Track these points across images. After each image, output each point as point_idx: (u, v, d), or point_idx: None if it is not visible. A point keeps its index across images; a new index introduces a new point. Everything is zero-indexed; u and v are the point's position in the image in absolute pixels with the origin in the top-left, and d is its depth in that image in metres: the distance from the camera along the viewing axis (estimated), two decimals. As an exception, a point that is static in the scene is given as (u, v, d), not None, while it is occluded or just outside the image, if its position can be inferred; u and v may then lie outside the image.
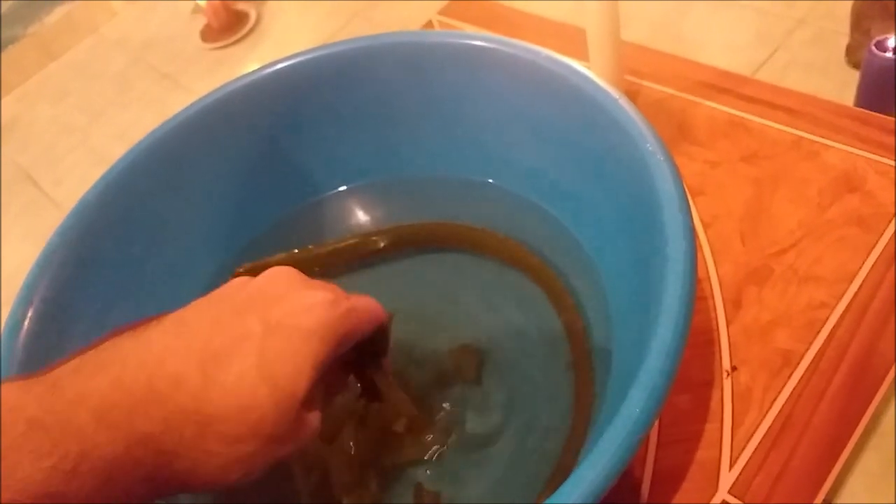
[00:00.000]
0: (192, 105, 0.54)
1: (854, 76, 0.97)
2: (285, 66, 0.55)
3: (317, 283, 0.35)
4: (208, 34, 1.37)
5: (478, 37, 0.51)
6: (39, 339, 0.43)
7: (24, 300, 0.45)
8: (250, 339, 0.31)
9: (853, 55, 1.09)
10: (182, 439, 0.28)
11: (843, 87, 0.98)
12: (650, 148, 0.40)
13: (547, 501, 0.29)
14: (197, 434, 0.29)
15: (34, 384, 0.27)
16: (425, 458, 0.44)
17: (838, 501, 0.43)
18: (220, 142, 0.55)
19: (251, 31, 1.36)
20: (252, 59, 1.24)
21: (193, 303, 0.33)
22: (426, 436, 0.44)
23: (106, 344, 0.30)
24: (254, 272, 0.37)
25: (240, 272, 0.49)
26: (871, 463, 0.44)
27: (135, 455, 0.27)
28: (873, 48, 0.93)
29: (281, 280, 0.34)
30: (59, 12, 1.51)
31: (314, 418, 0.33)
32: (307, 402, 0.32)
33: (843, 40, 1.01)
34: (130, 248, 0.51)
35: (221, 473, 0.30)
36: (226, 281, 0.48)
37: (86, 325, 0.46)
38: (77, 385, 0.28)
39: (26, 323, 0.43)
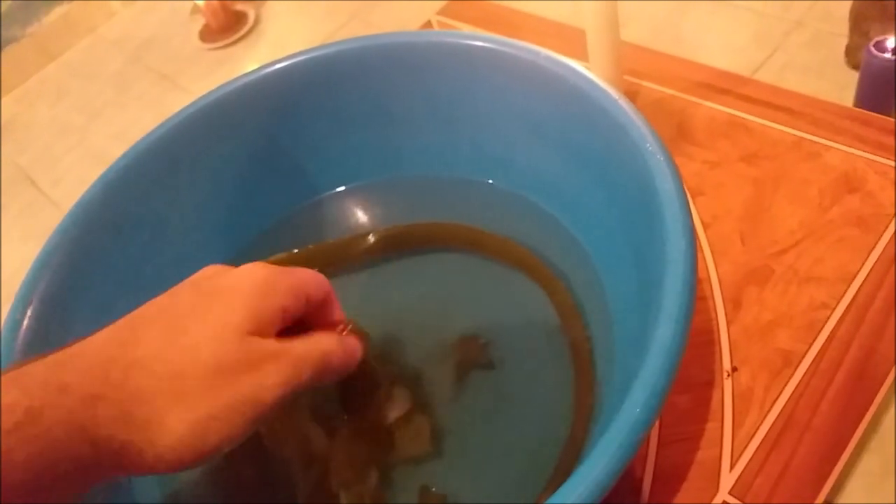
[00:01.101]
0: (191, 105, 0.54)
1: (852, 77, 0.97)
2: (284, 66, 0.55)
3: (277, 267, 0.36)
4: (207, 34, 1.37)
5: (477, 37, 0.51)
6: (39, 338, 0.43)
7: (24, 299, 0.44)
8: (178, 303, 0.33)
9: (852, 56, 1.10)
10: (107, 387, 0.29)
11: (841, 88, 0.98)
12: (650, 148, 0.40)
13: (549, 501, 0.29)
14: (149, 391, 0.30)
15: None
16: (423, 454, 0.44)
17: (838, 503, 0.43)
18: (219, 142, 0.55)
19: (250, 31, 1.36)
20: (251, 60, 1.24)
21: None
22: (423, 431, 0.44)
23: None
24: None
25: None
26: (870, 464, 0.44)
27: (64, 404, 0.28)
28: (872, 49, 0.93)
29: (225, 267, 0.36)
30: (57, 12, 1.51)
31: (272, 346, 0.33)
32: (252, 332, 0.32)
33: (841, 42, 1.01)
34: (129, 248, 0.51)
35: (189, 434, 0.30)
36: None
37: (85, 325, 0.46)
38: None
39: (25, 322, 0.43)
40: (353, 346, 0.38)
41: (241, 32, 1.36)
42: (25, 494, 0.26)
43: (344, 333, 0.39)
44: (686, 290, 0.34)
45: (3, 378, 0.27)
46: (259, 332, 0.33)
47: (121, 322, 0.33)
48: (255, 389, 0.32)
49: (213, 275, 0.35)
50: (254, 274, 0.34)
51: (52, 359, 0.30)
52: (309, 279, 0.36)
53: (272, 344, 0.33)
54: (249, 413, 0.31)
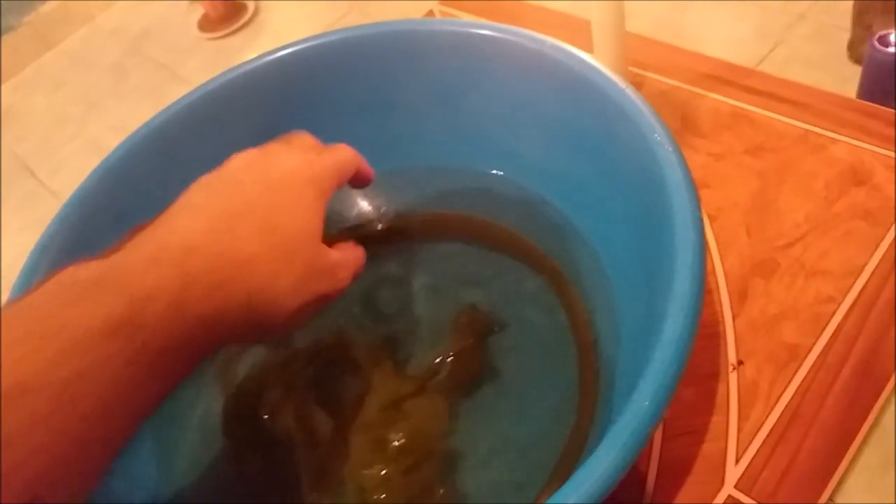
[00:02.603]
0: (192, 92, 0.53)
1: (854, 71, 0.97)
2: (286, 54, 0.54)
3: (293, 143, 0.41)
4: (206, 24, 1.37)
5: (482, 25, 0.50)
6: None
7: (23, 286, 0.44)
8: (257, 200, 0.36)
9: (855, 50, 1.10)
10: (233, 274, 0.33)
11: (843, 81, 0.98)
12: (658, 138, 0.40)
13: (557, 493, 0.29)
14: (243, 268, 0.33)
15: (88, 260, 0.31)
16: (441, 431, 0.44)
17: (839, 499, 0.43)
18: (220, 130, 0.54)
19: (249, 21, 1.36)
20: (250, 50, 1.23)
21: (191, 188, 0.37)
22: (441, 410, 0.44)
23: (137, 237, 0.34)
24: None
25: None
26: (871, 460, 0.44)
27: (193, 290, 0.31)
28: (875, 43, 0.93)
29: (248, 157, 0.39)
30: (55, 1, 1.50)
31: (336, 255, 0.38)
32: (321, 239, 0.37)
33: (844, 35, 1.01)
34: (129, 237, 0.50)
35: (283, 300, 0.34)
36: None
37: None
38: (124, 253, 0.32)
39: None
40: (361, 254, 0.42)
41: (241, 23, 1.36)
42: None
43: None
44: (695, 281, 0.34)
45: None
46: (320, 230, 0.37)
47: (209, 210, 0.35)
48: (328, 290, 0.37)
49: (257, 162, 0.39)
50: (311, 166, 0.39)
51: (165, 258, 0.32)
52: (349, 158, 0.42)
53: (335, 255, 0.38)
54: (321, 305, 0.37)
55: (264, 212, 0.35)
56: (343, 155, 0.42)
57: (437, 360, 0.46)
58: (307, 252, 0.36)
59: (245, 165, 0.39)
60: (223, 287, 0.32)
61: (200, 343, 0.32)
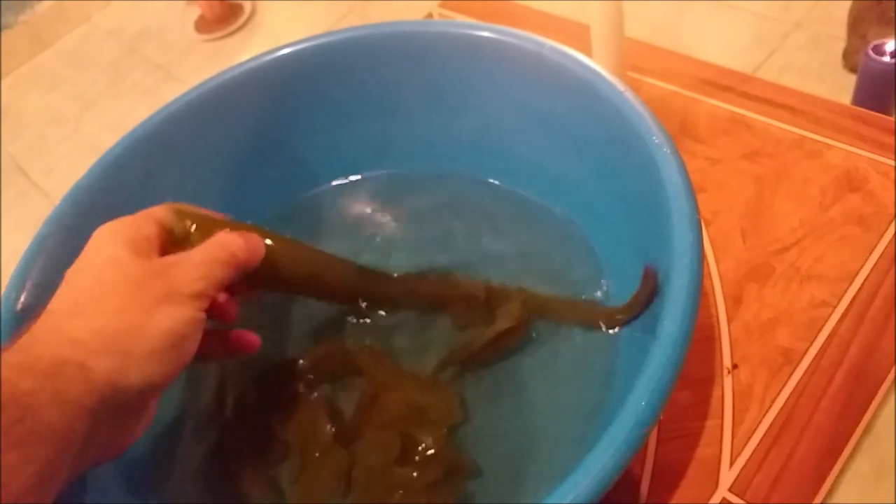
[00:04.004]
0: (187, 93, 0.53)
1: (850, 80, 0.97)
2: (283, 55, 0.54)
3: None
4: (202, 25, 1.37)
5: (481, 27, 0.50)
6: (31, 323, 0.43)
7: (17, 286, 0.44)
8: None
9: (850, 59, 1.10)
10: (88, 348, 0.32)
11: (839, 90, 0.99)
12: (656, 140, 0.40)
13: (553, 493, 0.29)
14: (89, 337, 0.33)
15: None
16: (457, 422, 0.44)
17: (831, 503, 0.43)
18: (217, 130, 0.54)
19: (246, 23, 1.36)
20: (246, 52, 1.23)
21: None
22: (454, 402, 0.44)
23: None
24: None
25: None
26: (864, 465, 0.44)
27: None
28: (870, 52, 0.94)
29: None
30: (51, 0, 1.50)
31: (165, 259, 0.37)
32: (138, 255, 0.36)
33: (839, 44, 1.01)
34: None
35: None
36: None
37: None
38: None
39: (19, 308, 0.43)
40: (254, 238, 0.41)
41: (237, 24, 1.36)
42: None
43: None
44: (692, 283, 0.34)
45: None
46: (143, 254, 0.36)
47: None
48: (172, 288, 0.35)
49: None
50: (107, 227, 0.38)
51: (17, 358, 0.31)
52: (153, 208, 0.40)
53: (167, 258, 0.37)
54: (179, 315, 0.35)
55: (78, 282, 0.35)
56: (154, 209, 0.41)
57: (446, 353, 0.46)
58: (117, 272, 0.35)
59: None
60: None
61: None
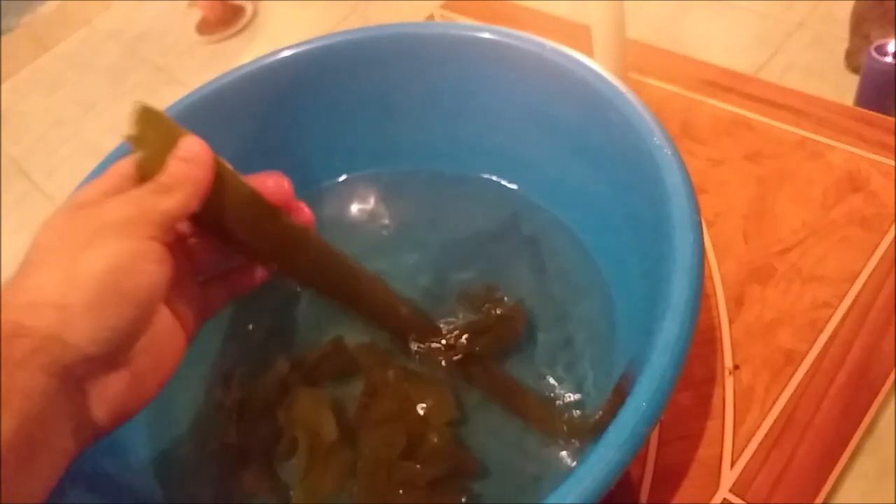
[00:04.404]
0: (189, 95, 0.53)
1: (852, 80, 0.97)
2: (285, 57, 0.54)
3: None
4: (204, 27, 1.37)
5: (482, 28, 0.50)
6: None
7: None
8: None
9: (852, 59, 1.10)
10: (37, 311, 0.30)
11: (841, 90, 0.98)
12: (657, 141, 0.40)
13: (554, 493, 0.29)
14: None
15: None
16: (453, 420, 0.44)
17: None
18: (217, 132, 0.53)
19: (247, 25, 1.36)
20: (248, 54, 1.23)
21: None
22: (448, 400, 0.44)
23: None
24: None
25: None
26: (866, 467, 0.44)
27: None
28: (873, 52, 0.94)
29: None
30: (52, 3, 1.50)
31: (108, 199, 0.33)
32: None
33: (842, 44, 1.01)
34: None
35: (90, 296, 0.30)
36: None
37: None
38: None
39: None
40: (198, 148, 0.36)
41: (239, 26, 1.36)
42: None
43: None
44: (694, 284, 0.34)
45: None
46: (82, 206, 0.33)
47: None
48: (102, 221, 0.32)
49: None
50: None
51: None
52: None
53: (110, 198, 0.33)
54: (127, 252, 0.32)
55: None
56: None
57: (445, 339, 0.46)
58: (52, 225, 0.32)
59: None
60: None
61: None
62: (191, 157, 0.35)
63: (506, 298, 0.48)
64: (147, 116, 0.36)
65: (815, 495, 0.42)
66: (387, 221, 0.57)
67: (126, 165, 0.36)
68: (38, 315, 0.29)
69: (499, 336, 0.46)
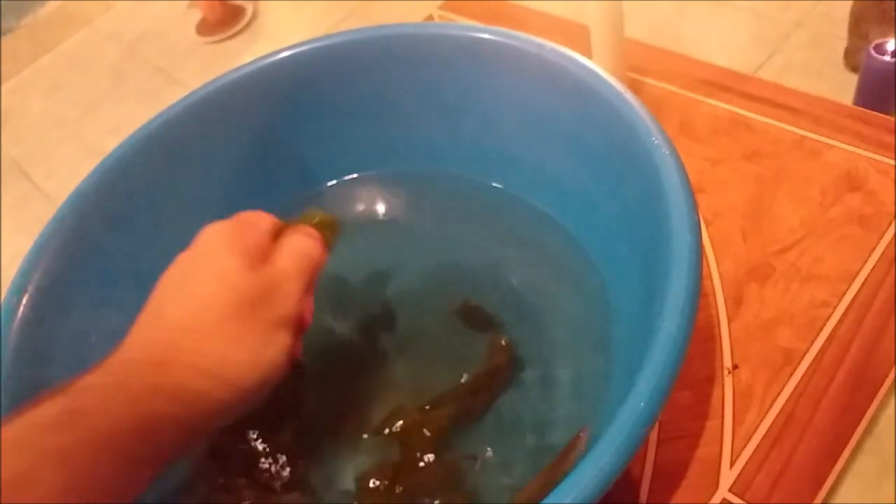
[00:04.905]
0: (189, 95, 0.53)
1: (851, 79, 0.97)
2: (285, 57, 0.54)
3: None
4: (204, 28, 1.37)
5: (481, 29, 0.50)
6: (34, 326, 0.43)
7: (19, 288, 0.44)
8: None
9: (851, 58, 1.10)
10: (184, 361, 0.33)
11: (839, 90, 0.98)
12: (656, 141, 0.40)
13: (553, 493, 0.29)
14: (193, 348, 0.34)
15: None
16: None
17: (832, 503, 0.43)
18: (218, 132, 0.54)
19: (247, 26, 1.36)
20: (248, 54, 1.23)
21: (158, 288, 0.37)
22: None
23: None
24: None
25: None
26: (865, 466, 0.44)
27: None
28: (872, 52, 0.94)
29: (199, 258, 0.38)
30: (53, 4, 1.50)
31: (268, 275, 0.37)
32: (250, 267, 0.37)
33: (840, 43, 1.01)
34: (126, 237, 0.50)
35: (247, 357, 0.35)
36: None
37: (81, 313, 0.46)
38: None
39: (21, 310, 0.43)
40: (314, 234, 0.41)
41: (239, 27, 1.36)
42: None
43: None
44: (691, 284, 0.34)
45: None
46: (250, 265, 0.37)
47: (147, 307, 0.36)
48: (278, 315, 0.36)
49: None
50: (217, 229, 0.38)
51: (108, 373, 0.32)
52: (250, 214, 0.40)
53: (266, 272, 0.37)
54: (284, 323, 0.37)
55: (183, 280, 0.37)
56: (249, 213, 0.41)
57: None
58: (230, 289, 0.36)
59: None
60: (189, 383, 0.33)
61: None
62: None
63: (501, 319, 0.48)
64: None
65: (815, 495, 0.42)
66: (384, 221, 0.57)
67: (266, 220, 0.41)
68: (215, 388, 0.34)
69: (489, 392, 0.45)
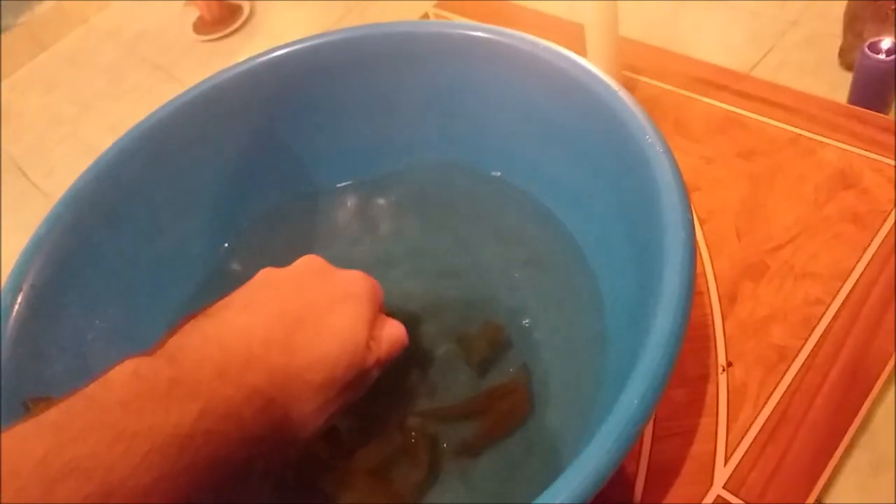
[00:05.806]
0: (185, 93, 0.53)
1: (846, 78, 0.97)
2: (281, 55, 0.54)
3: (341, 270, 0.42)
4: (201, 26, 1.37)
5: (476, 27, 0.51)
6: (29, 325, 0.43)
7: (14, 287, 0.44)
8: (316, 306, 0.38)
9: (846, 57, 1.10)
10: (283, 389, 0.35)
11: (834, 88, 0.99)
12: (649, 140, 0.40)
13: (546, 492, 0.29)
14: (292, 384, 0.35)
15: (156, 358, 0.32)
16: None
17: (827, 500, 0.43)
18: (214, 130, 0.54)
19: (244, 24, 1.36)
20: (245, 53, 1.23)
21: (239, 291, 0.39)
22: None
23: (187, 328, 0.35)
24: None
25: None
26: (861, 461, 0.44)
27: (253, 404, 0.33)
28: (866, 50, 0.94)
29: (315, 265, 0.41)
30: (50, 2, 1.50)
31: (374, 368, 0.39)
32: (367, 351, 0.39)
33: (836, 42, 1.01)
34: (121, 236, 0.50)
35: (313, 418, 0.36)
36: (219, 269, 0.52)
37: (77, 312, 0.46)
38: (191, 355, 0.33)
39: (16, 309, 0.43)
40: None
41: (236, 25, 1.36)
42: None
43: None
44: (685, 282, 0.34)
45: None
46: (371, 336, 0.39)
47: (266, 312, 0.37)
48: (355, 397, 0.40)
49: (324, 272, 0.41)
50: (365, 281, 0.41)
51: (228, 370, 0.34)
52: (375, 284, 0.43)
53: (371, 359, 0.39)
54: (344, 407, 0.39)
55: (318, 317, 0.38)
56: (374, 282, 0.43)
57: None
58: (351, 351, 0.38)
59: (310, 270, 0.41)
60: (272, 405, 0.34)
61: (237, 462, 0.33)
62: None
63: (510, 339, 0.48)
64: None
65: (809, 491, 0.42)
66: (383, 221, 0.57)
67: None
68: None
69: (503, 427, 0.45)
